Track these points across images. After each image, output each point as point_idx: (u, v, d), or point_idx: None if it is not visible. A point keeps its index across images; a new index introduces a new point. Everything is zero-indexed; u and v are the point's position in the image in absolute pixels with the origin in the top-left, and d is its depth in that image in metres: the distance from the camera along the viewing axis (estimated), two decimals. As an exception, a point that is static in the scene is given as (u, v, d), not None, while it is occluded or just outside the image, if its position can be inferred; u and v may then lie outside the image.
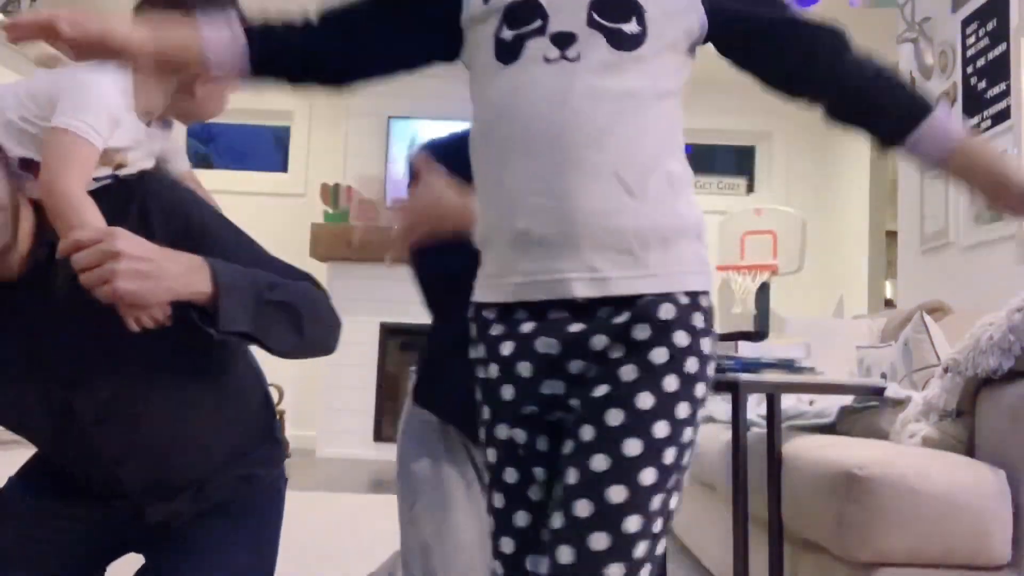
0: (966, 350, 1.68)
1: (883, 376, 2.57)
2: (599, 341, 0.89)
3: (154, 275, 1.07)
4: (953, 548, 1.55)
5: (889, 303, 5.90)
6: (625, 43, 0.89)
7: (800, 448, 1.87)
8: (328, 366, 5.59)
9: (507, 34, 0.90)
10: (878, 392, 2.06)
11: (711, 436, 2.66)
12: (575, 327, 0.90)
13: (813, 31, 1.03)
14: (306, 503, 2.64)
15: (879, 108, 0.98)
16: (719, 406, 3.08)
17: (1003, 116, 3.24)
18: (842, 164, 5.90)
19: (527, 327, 0.92)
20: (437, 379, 1.54)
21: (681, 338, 0.89)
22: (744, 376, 1.83)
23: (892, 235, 4.94)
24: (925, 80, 3.86)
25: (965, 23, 3.53)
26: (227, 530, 1.41)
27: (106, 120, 1.33)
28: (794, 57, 1.02)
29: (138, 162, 1.41)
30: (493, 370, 0.95)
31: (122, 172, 1.35)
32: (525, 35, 0.89)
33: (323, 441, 5.67)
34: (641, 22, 0.90)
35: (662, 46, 0.94)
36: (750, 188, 6.38)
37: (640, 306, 0.88)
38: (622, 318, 0.88)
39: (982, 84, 3.40)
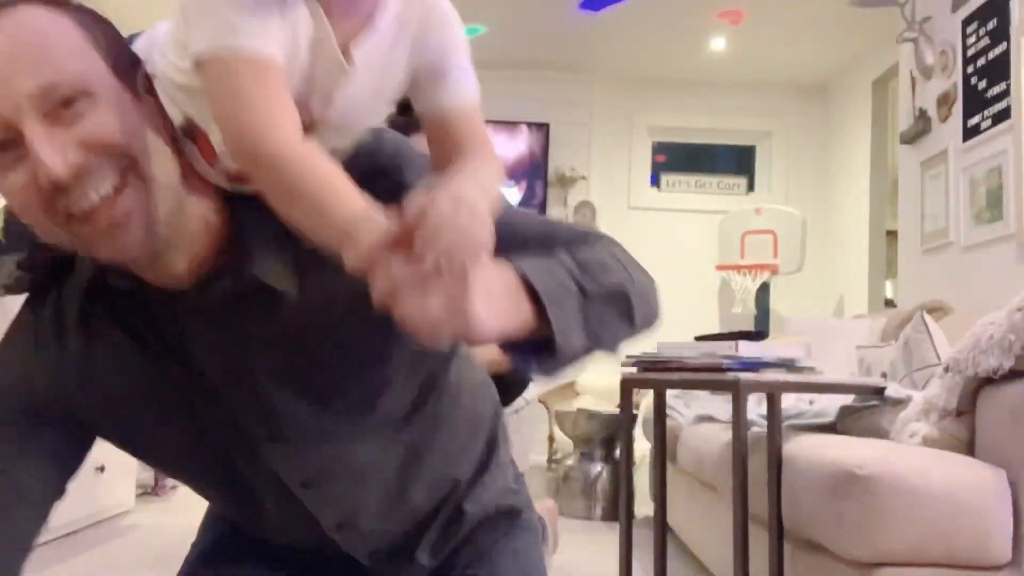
0: (966, 349, 1.68)
1: (883, 376, 2.57)
2: None
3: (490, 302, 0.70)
4: (953, 548, 1.54)
5: (889, 303, 5.90)
6: None
7: (800, 448, 1.87)
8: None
9: None
10: (878, 392, 2.05)
11: (711, 436, 2.66)
12: None
13: None
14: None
15: None
16: (719, 406, 3.08)
17: (1003, 116, 3.24)
18: (842, 164, 5.90)
19: None
20: None
21: None
22: (744, 376, 1.83)
23: (892, 235, 4.94)
24: (925, 80, 3.86)
25: (965, 23, 3.53)
26: None
27: (264, 8, 0.77)
28: None
29: (356, 117, 0.88)
30: None
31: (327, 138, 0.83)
32: None
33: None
34: None
35: None
36: (750, 188, 6.38)
37: None
38: None
39: (982, 84, 3.40)
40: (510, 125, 5.93)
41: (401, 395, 0.97)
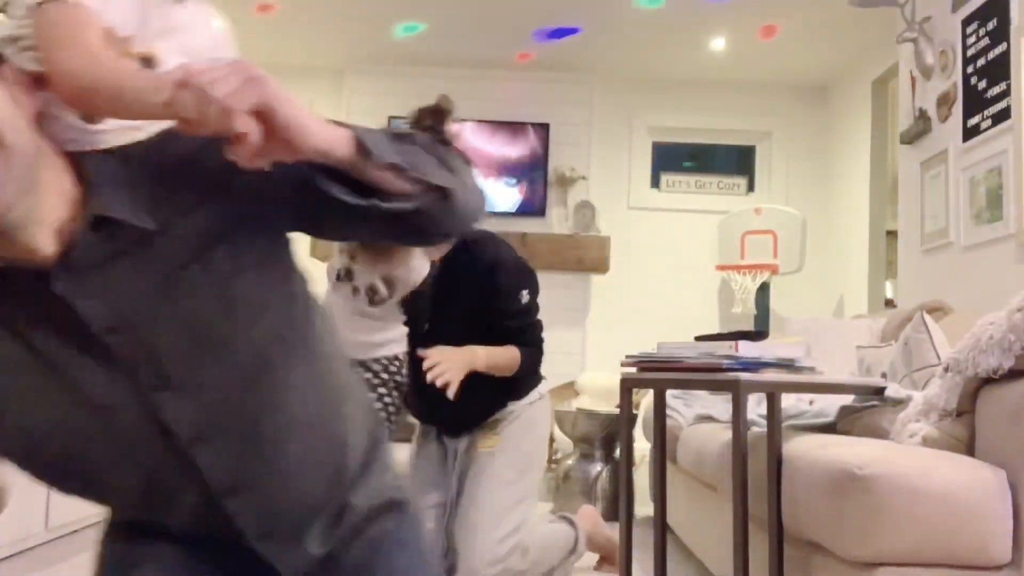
0: (966, 349, 1.68)
1: (883, 376, 2.57)
2: None
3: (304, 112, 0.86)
4: (953, 548, 1.55)
5: (889, 303, 5.90)
6: None
7: (800, 448, 1.87)
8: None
9: None
10: (878, 392, 2.06)
11: (711, 436, 2.66)
12: None
13: None
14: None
15: None
16: (719, 406, 3.08)
17: (1003, 116, 3.24)
18: (842, 164, 5.90)
19: None
20: (416, 397, 2.39)
21: None
22: (744, 376, 1.83)
23: (892, 235, 4.93)
24: (925, 80, 3.86)
25: (965, 23, 3.53)
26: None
27: None
28: None
29: (172, 55, 1.18)
30: None
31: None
32: None
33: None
34: None
35: None
36: (750, 188, 6.38)
37: None
38: None
39: (982, 84, 3.40)
40: (511, 125, 5.93)
41: (281, 356, 1.00)
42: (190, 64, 0.83)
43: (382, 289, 2.34)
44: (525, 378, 2.38)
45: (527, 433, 2.39)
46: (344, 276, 2.38)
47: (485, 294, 2.27)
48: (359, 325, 2.36)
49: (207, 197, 0.94)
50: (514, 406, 2.38)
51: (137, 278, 0.93)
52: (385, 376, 2.35)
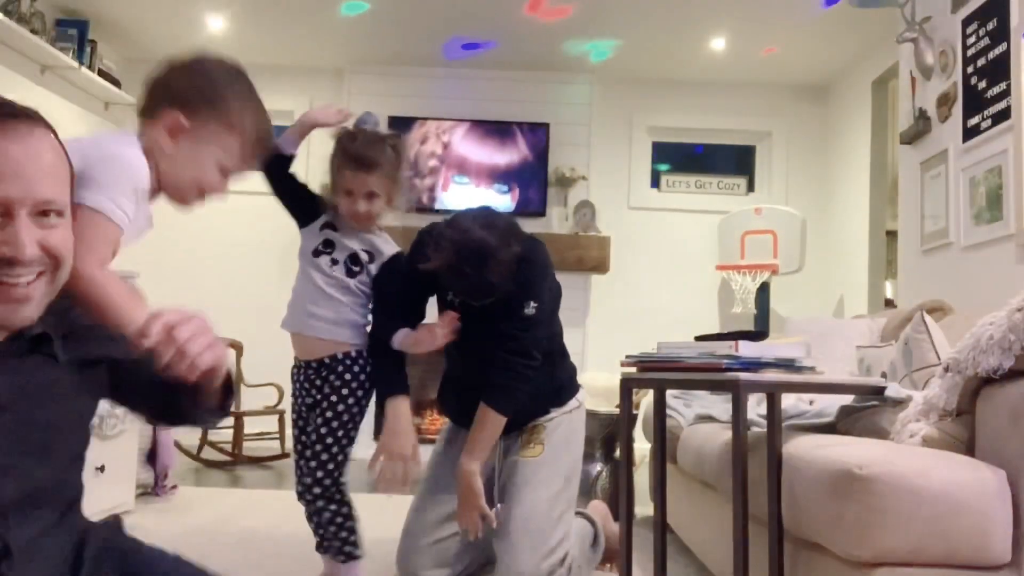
0: (966, 349, 1.68)
1: (883, 376, 2.57)
2: None
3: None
4: (953, 548, 1.55)
5: (889, 303, 5.90)
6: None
7: (800, 448, 1.87)
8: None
9: None
10: (878, 392, 2.06)
11: (711, 436, 2.66)
12: None
13: None
14: (306, 503, 2.64)
15: None
16: (719, 406, 3.08)
17: (1003, 116, 3.24)
18: (842, 164, 5.90)
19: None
20: (447, 395, 2.42)
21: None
22: (744, 375, 1.83)
23: (892, 235, 4.94)
24: (925, 80, 3.86)
25: (965, 23, 3.53)
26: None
27: (132, 198, 1.47)
28: None
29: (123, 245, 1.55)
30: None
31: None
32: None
33: (323, 441, 5.66)
34: None
35: None
36: (750, 188, 6.38)
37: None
38: None
39: (982, 84, 3.40)
40: (510, 125, 5.94)
41: (78, 462, 1.25)
42: (164, 315, 1.07)
43: (363, 258, 2.30)
44: (564, 385, 2.40)
45: (570, 441, 2.37)
46: (323, 248, 2.30)
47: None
48: (343, 301, 2.26)
49: (99, 348, 1.24)
50: (555, 412, 2.37)
51: (37, 376, 1.15)
52: (367, 371, 2.29)
